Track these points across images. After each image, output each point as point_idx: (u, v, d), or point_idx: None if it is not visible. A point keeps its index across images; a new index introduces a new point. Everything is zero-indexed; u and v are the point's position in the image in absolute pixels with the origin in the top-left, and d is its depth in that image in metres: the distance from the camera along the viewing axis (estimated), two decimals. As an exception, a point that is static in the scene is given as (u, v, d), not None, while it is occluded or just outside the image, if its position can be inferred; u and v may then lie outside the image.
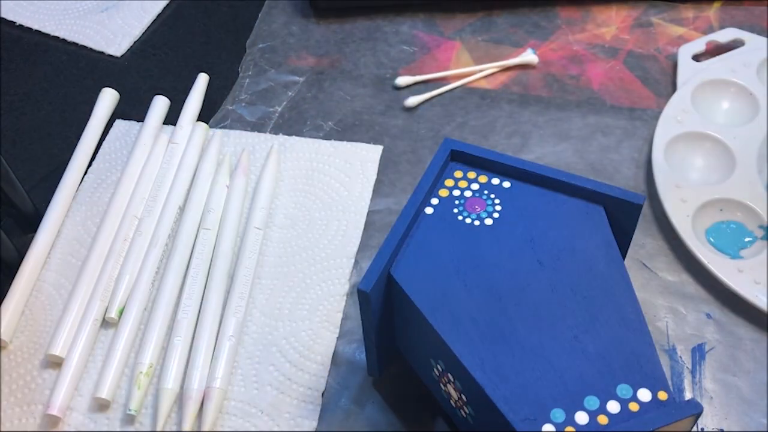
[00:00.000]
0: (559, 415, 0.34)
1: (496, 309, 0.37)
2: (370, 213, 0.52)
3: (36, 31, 0.64)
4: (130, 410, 0.43)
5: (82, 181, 0.54)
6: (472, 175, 0.42)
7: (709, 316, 0.47)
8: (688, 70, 0.58)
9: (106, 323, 0.47)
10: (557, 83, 0.59)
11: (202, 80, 0.58)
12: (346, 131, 0.57)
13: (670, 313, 0.47)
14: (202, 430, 0.42)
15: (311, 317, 0.47)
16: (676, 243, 0.49)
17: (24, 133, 0.58)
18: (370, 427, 0.43)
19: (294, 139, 0.56)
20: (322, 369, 0.45)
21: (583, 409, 0.34)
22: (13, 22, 0.64)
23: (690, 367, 0.45)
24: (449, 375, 0.39)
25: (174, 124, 0.56)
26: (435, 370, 0.40)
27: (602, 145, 0.55)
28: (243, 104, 0.58)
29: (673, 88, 0.58)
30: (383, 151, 0.55)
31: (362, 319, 0.40)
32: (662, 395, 0.35)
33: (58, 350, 0.45)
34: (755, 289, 0.46)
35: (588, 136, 0.56)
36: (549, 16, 0.64)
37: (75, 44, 0.63)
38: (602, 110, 0.57)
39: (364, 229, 0.51)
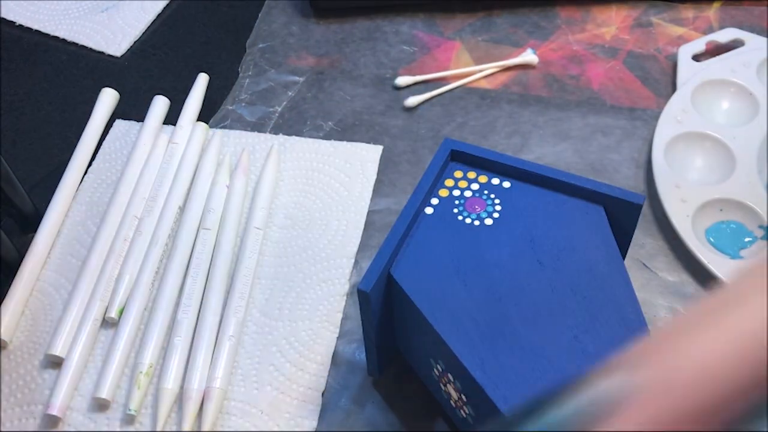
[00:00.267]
0: None
1: (496, 309, 0.37)
2: (370, 213, 0.52)
3: (36, 31, 0.64)
4: (130, 410, 0.43)
5: (82, 181, 0.54)
6: (472, 175, 0.42)
7: (709, 316, 0.47)
8: (688, 70, 0.58)
9: (106, 323, 0.47)
10: (557, 83, 0.59)
11: (202, 80, 0.58)
12: (346, 131, 0.57)
13: (670, 313, 0.47)
14: (202, 430, 0.42)
15: (311, 317, 0.47)
16: (676, 243, 0.49)
17: (24, 133, 0.58)
18: (370, 427, 0.43)
19: (294, 139, 0.56)
20: (322, 369, 0.45)
21: None
22: (13, 22, 0.64)
23: (690, 367, 0.45)
24: (449, 375, 0.39)
25: (174, 124, 0.56)
26: (435, 370, 0.40)
27: (602, 145, 0.55)
28: (243, 104, 0.58)
29: (673, 88, 0.58)
30: (383, 151, 0.55)
31: (362, 319, 0.40)
32: None
33: (58, 350, 0.45)
34: (755, 289, 0.46)
35: (588, 136, 0.56)
36: (549, 16, 0.64)
37: (75, 44, 0.63)
38: (602, 110, 0.57)
39: (364, 229, 0.51)
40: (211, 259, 0.49)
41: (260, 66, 0.61)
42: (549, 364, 0.36)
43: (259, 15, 0.65)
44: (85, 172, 0.54)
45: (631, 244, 0.49)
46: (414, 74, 0.60)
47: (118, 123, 0.57)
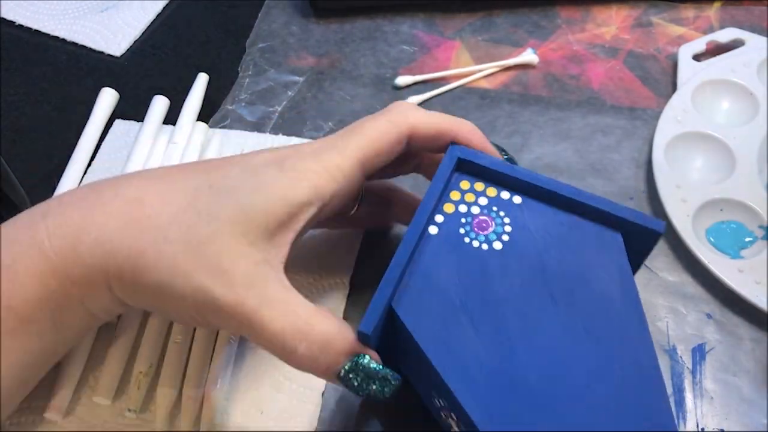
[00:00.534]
0: None
1: (505, 353, 0.35)
2: (370, 213, 0.52)
3: (36, 31, 0.64)
4: (130, 410, 0.43)
5: (81, 180, 0.54)
6: (479, 186, 0.39)
7: (709, 316, 0.47)
8: (688, 70, 0.58)
9: (105, 323, 0.47)
10: (557, 83, 0.59)
11: (202, 80, 0.58)
12: (346, 131, 0.57)
13: (671, 313, 0.47)
14: (201, 430, 0.42)
15: (311, 317, 0.47)
16: (676, 243, 0.49)
17: (24, 133, 0.58)
18: (370, 427, 0.43)
19: (294, 139, 0.56)
20: (322, 369, 0.45)
21: None
22: (13, 22, 0.64)
23: (690, 367, 0.45)
24: (453, 414, 0.36)
25: (174, 124, 0.56)
26: (437, 401, 0.38)
27: (602, 144, 0.55)
28: (243, 104, 0.58)
29: (673, 88, 0.58)
30: (383, 151, 0.55)
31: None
32: None
33: (57, 350, 0.45)
34: (755, 289, 0.46)
35: (588, 136, 0.56)
36: (549, 16, 0.64)
37: (75, 44, 0.63)
38: (602, 110, 0.57)
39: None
40: (211, 259, 0.49)
41: (260, 66, 0.61)
42: (561, 418, 0.33)
43: (259, 15, 0.65)
44: (85, 172, 0.54)
45: (632, 244, 0.49)
46: (414, 74, 0.60)
47: (118, 123, 0.57)
